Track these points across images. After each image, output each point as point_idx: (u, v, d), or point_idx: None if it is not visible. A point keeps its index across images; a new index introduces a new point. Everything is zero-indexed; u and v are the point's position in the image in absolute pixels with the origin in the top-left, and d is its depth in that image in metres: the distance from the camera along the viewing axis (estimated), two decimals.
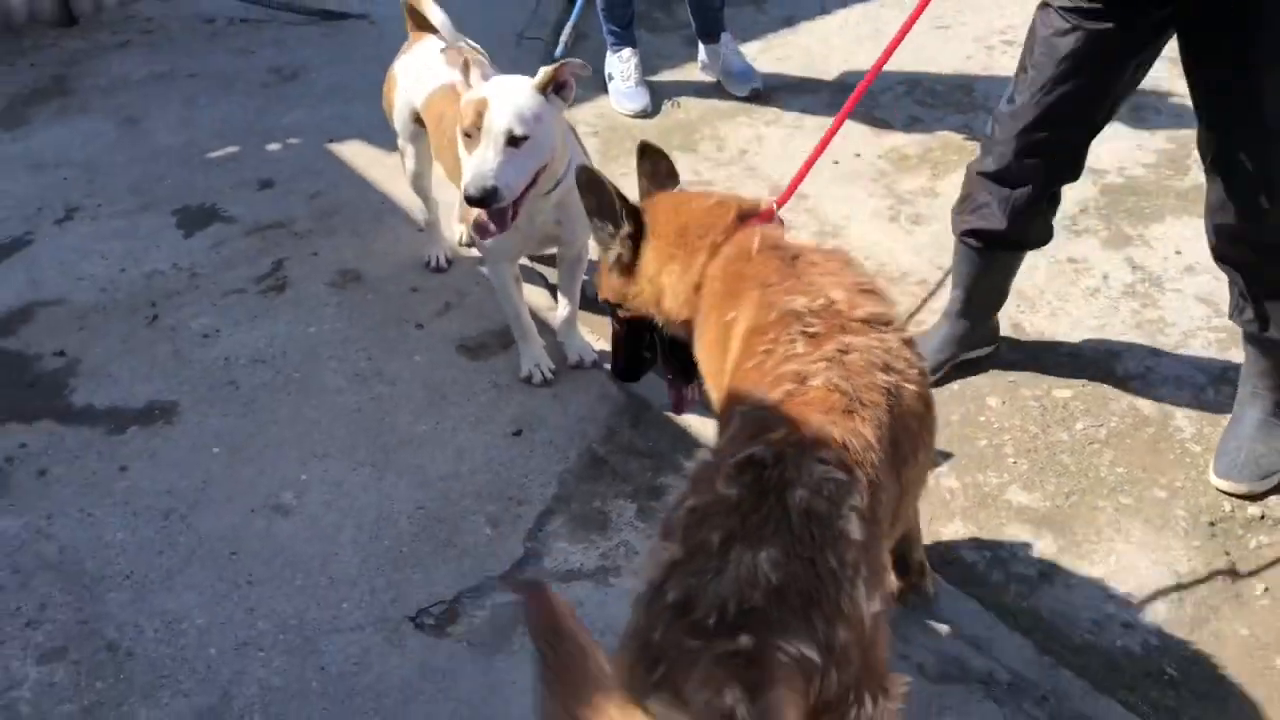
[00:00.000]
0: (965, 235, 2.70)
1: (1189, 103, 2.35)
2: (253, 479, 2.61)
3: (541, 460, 2.63)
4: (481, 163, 2.34)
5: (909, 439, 1.59)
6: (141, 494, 2.58)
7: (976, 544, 2.43)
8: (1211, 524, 2.45)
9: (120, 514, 2.53)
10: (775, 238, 1.88)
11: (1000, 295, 2.88)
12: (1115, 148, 3.69)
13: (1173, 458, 2.62)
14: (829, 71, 4.39)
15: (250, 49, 4.70)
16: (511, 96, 2.37)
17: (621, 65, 4.18)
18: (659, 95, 4.26)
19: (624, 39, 4.18)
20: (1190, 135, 2.44)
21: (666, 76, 4.40)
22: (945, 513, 2.49)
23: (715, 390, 1.83)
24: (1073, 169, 2.57)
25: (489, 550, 2.41)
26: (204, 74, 4.48)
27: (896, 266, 3.29)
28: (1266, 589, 2.32)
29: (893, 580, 1.42)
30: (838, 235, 3.44)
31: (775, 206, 2.01)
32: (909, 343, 1.69)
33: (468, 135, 2.39)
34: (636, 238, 2.00)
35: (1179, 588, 2.32)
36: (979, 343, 2.92)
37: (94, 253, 3.43)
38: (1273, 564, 2.37)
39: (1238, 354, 2.88)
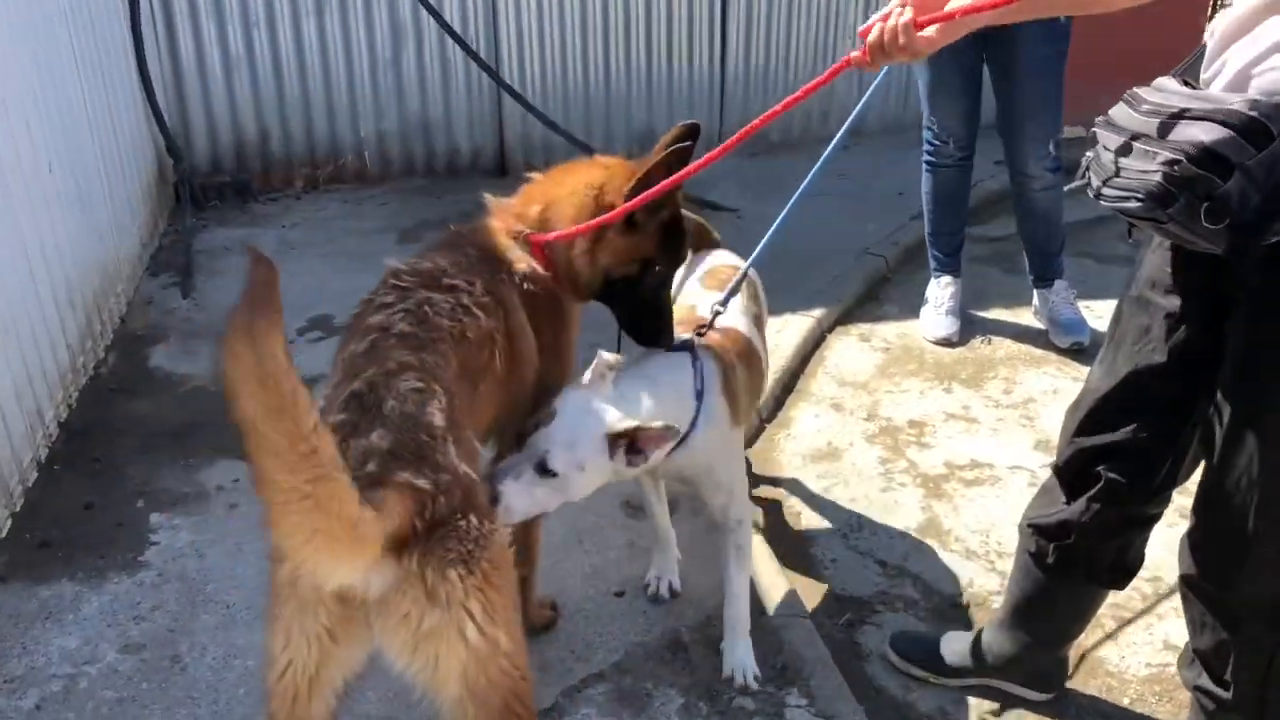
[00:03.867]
0: (1028, 526, 2.17)
1: None
2: None
3: (623, 626, 2.51)
4: (507, 465, 2.05)
5: (476, 361, 1.93)
6: None
7: None
8: None
9: (261, 556, 2.77)
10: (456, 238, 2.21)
11: (1059, 633, 2.29)
12: None
13: None
14: None
15: None
16: (572, 427, 2.04)
17: (938, 291, 4.03)
18: (977, 328, 4.05)
19: (945, 266, 4.04)
20: None
21: (994, 314, 4.17)
22: None
23: None
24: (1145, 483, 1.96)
25: None
26: None
27: None
28: None
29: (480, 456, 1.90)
30: None
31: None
32: (484, 302, 1.98)
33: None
34: None
35: None
36: (1020, 677, 2.33)
37: None
38: None
39: None
